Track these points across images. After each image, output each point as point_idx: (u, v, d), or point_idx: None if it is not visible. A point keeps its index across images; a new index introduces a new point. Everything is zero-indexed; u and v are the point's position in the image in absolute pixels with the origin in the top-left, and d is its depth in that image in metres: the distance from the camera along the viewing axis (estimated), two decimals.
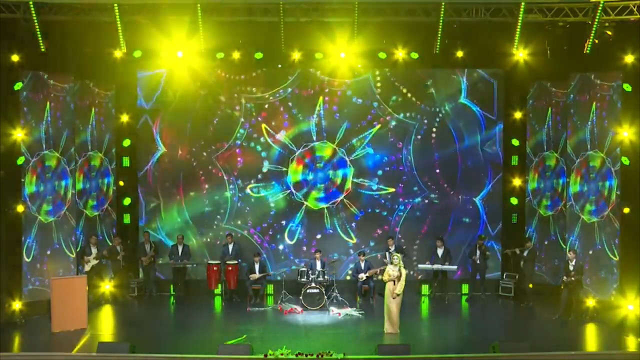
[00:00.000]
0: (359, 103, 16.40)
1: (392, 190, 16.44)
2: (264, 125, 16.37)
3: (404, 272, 13.00)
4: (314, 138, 16.44)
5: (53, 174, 14.69)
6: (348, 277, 16.31)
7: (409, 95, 16.34)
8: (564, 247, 15.29)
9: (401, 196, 16.48)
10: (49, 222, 14.63)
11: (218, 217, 16.52)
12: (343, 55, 15.35)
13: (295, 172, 16.48)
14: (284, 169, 16.44)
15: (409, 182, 16.46)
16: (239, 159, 16.44)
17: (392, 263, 13.14)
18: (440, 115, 16.35)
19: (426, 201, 16.48)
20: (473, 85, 16.32)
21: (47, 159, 14.59)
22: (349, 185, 16.45)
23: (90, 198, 15.89)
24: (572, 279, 14.07)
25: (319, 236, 16.54)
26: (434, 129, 16.38)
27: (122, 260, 15.69)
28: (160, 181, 16.51)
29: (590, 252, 14.71)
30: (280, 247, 16.57)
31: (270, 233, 16.56)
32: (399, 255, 13.25)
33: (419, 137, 16.41)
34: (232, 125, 16.38)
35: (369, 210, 16.53)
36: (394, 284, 12.90)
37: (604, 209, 14.51)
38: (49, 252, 14.60)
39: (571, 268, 14.21)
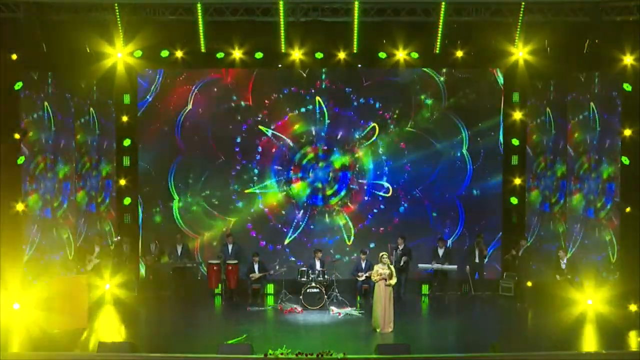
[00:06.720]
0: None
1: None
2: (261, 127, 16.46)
3: (393, 269, 13.07)
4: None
5: (54, 173, 14.71)
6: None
7: None
8: (562, 246, 15.29)
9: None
10: (50, 221, 14.64)
11: None
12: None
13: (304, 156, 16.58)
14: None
15: None
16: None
17: (380, 262, 13.16)
18: None
19: None
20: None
21: (48, 159, 14.60)
22: (334, 202, 16.57)
23: (88, 197, 15.89)
24: (566, 277, 14.12)
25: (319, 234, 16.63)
26: None
27: (126, 260, 15.66)
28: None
29: (591, 251, 14.71)
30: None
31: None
32: (386, 253, 13.28)
33: None
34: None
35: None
36: (385, 281, 12.95)
37: (591, 217, 14.62)
38: (49, 251, 14.61)
39: (563, 266, 14.24)
